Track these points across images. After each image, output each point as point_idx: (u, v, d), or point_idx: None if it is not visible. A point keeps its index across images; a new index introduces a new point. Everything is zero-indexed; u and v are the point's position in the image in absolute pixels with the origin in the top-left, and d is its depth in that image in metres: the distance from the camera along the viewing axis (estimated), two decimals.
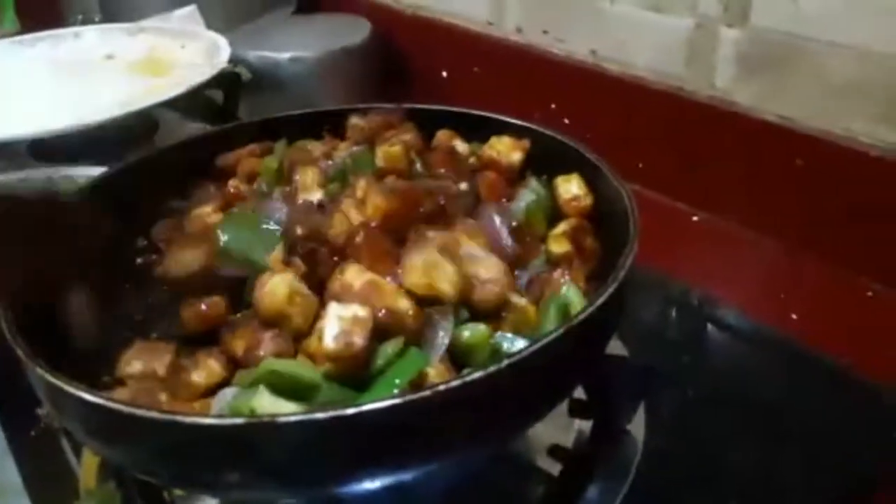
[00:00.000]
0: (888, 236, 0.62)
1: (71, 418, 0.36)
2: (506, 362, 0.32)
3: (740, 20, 0.68)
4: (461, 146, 0.55)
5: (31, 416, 0.52)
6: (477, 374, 0.31)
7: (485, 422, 0.34)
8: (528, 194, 0.50)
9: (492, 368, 0.31)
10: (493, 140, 0.54)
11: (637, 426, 0.50)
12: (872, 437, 0.51)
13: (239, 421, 0.31)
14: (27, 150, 0.83)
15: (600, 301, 0.35)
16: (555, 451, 0.49)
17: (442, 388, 0.31)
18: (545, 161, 0.53)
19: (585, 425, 0.51)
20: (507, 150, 0.53)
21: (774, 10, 0.65)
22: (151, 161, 0.56)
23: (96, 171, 0.70)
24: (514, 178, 0.53)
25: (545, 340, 0.33)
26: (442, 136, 0.56)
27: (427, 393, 0.31)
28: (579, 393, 0.51)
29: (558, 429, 0.50)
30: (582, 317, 0.34)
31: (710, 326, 0.64)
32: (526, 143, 0.53)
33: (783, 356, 0.59)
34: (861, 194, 0.64)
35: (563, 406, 0.49)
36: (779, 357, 0.60)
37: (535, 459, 0.49)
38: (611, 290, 0.36)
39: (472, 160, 0.54)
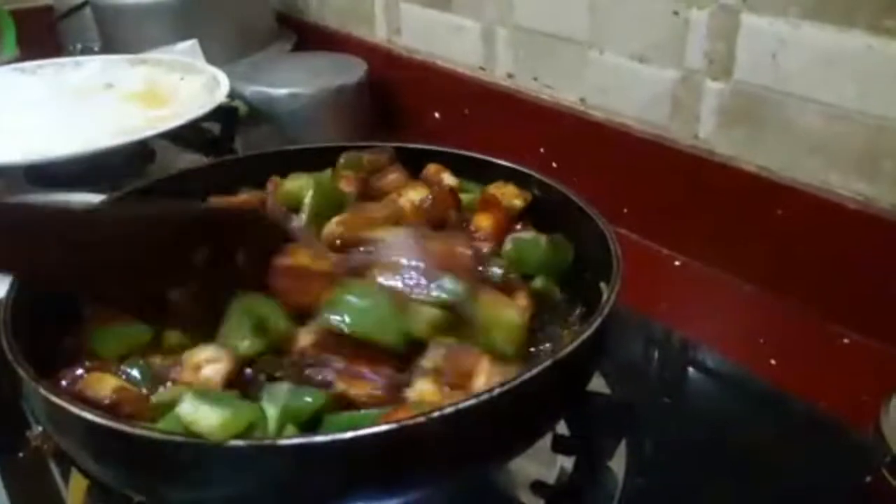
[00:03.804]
0: (864, 286, 0.64)
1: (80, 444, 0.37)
2: (497, 391, 0.33)
3: (724, 74, 0.71)
4: (450, 179, 0.57)
5: (20, 439, 0.53)
6: (469, 402, 0.33)
7: (472, 449, 0.35)
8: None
9: (484, 396, 0.33)
10: (500, 184, 0.56)
11: (618, 463, 0.51)
12: (845, 481, 0.52)
13: (240, 443, 0.32)
14: (24, 176, 0.84)
15: (585, 336, 0.37)
16: (537, 487, 0.50)
17: (435, 414, 0.32)
18: (532, 203, 0.55)
19: (568, 461, 0.52)
20: (510, 195, 0.55)
21: (756, 66, 0.68)
22: (149, 191, 0.57)
23: (93, 197, 0.71)
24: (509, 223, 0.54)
25: (535, 371, 0.34)
26: (431, 169, 0.58)
27: (421, 419, 0.32)
28: (563, 429, 0.52)
29: (541, 465, 0.51)
30: (567, 350, 0.36)
31: (690, 369, 0.66)
32: (529, 195, 0.55)
33: (760, 399, 0.61)
34: (839, 245, 0.66)
35: (547, 442, 0.50)
36: (756, 400, 0.61)
37: (518, 495, 0.50)
38: (594, 326, 0.38)
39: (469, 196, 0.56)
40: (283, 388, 0.36)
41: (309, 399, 0.36)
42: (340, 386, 0.36)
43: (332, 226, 0.49)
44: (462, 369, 0.37)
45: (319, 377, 0.37)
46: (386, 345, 0.38)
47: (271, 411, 0.35)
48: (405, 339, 0.39)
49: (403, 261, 0.42)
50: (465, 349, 0.39)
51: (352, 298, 0.39)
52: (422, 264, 0.41)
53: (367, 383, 0.36)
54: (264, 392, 0.37)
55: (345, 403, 0.36)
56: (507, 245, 0.52)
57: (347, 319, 0.38)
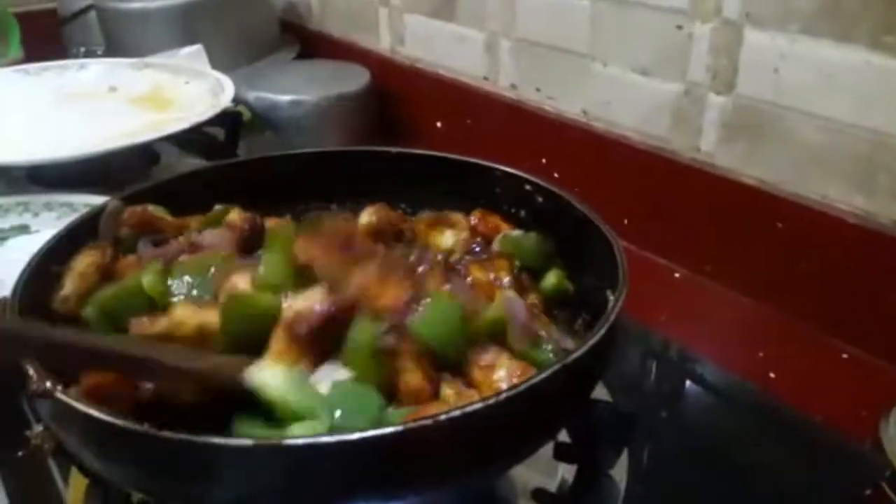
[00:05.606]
0: (863, 301, 0.65)
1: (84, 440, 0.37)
2: (504, 395, 0.33)
3: (726, 88, 0.71)
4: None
5: (19, 438, 0.52)
6: (475, 405, 0.33)
7: (477, 453, 0.35)
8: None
9: (491, 400, 0.33)
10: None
11: (619, 471, 0.51)
12: (844, 494, 0.52)
13: (248, 442, 0.32)
14: (26, 176, 0.85)
15: (593, 341, 0.37)
16: (538, 495, 0.50)
17: (441, 417, 0.32)
18: (536, 211, 0.56)
19: (569, 470, 0.52)
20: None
21: (758, 80, 0.69)
22: (151, 193, 0.57)
23: (96, 199, 0.71)
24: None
25: (542, 375, 0.34)
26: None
27: (426, 422, 0.32)
28: (564, 437, 0.52)
29: (542, 473, 0.51)
30: (575, 356, 0.36)
31: (688, 381, 0.66)
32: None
33: (759, 412, 0.61)
34: (838, 259, 0.66)
35: (548, 450, 0.50)
36: (755, 413, 0.61)
37: (519, 503, 0.50)
38: (603, 331, 0.38)
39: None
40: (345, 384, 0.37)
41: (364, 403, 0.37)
42: None
43: (367, 216, 0.54)
44: (484, 364, 0.38)
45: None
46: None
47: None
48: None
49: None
50: (486, 347, 0.40)
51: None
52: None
53: None
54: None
55: None
56: (496, 243, 0.54)
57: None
